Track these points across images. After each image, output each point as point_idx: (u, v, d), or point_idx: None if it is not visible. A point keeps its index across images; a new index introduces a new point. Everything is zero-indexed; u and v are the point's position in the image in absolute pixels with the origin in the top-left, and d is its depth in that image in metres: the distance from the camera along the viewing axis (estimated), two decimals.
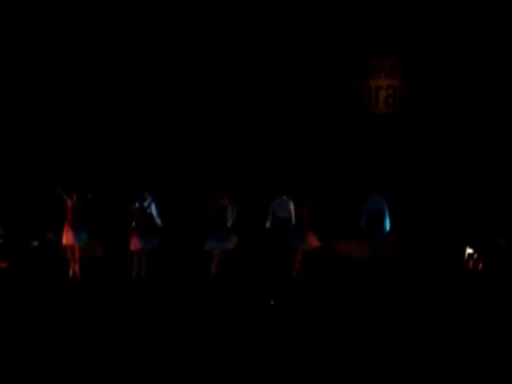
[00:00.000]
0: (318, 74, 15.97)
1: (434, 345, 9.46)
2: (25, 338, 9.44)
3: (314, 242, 12.66)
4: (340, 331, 9.96)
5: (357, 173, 15.87)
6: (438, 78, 15.60)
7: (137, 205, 12.25)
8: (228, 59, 15.92)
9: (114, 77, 15.80)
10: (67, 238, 12.16)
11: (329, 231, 13.77)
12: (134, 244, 12.26)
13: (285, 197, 12.95)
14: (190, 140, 15.98)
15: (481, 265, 12.68)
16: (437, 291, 11.89)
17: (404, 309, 10.97)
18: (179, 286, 12.09)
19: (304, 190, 13.01)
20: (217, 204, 12.43)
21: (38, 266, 12.60)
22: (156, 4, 15.81)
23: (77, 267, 12.29)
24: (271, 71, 15.92)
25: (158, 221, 12.49)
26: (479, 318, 10.46)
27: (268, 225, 12.94)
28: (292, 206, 12.87)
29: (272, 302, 11.26)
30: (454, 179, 15.47)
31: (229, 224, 12.39)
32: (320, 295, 11.75)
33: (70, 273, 12.26)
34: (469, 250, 12.89)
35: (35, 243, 13.00)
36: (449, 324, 10.26)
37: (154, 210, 12.43)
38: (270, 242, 13.14)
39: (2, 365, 8.57)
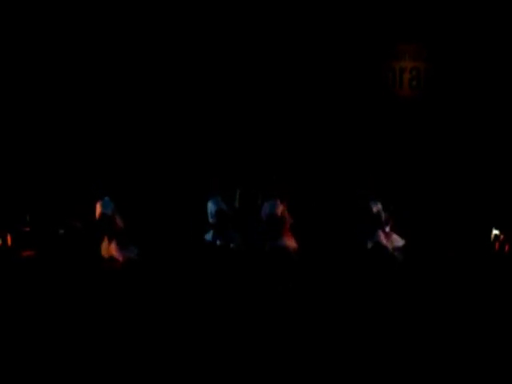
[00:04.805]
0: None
1: (456, 326, 9.36)
2: (49, 326, 9.36)
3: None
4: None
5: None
6: (463, 60, 15.68)
7: None
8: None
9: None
10: None
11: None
12: None
13: None
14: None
15: (508, 246, 12.71)
16: (458, 275, 11.89)
17: (426, 292, 10.95)
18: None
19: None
20: None
21: (64, 254, 12.45)
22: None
23: None
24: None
25: None
26: (506, 302, 10.47)
27: None
28: None
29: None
30: (479, 162, 15.47)
31: None
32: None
33: None
34: (495, 232, 12.92)
35: (62, 231, 12.89)
36: (473, 308, 10.21)
37: None
38: None
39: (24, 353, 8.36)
